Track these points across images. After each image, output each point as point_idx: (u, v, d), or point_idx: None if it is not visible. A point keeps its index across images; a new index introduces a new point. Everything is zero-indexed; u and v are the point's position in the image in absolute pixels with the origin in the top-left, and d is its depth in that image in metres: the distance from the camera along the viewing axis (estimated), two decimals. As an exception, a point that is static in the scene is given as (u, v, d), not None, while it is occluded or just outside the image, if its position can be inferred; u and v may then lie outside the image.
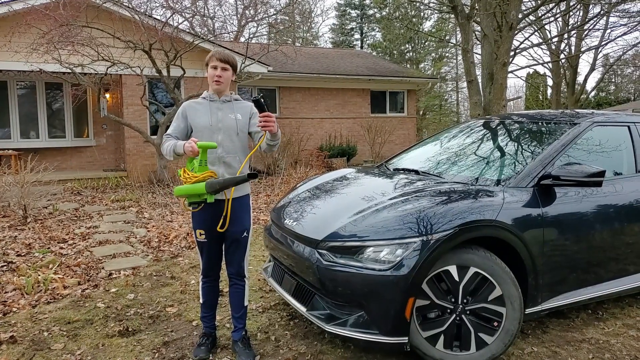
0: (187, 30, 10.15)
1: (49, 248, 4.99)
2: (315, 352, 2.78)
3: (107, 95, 10.85)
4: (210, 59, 2.66)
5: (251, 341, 2.90)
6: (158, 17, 9.44)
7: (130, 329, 3.10)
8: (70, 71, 8.89)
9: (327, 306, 2.64)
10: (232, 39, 15.83)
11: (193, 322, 3.21)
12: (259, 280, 4.03)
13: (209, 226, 2.65)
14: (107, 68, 8.98)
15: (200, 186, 2.41)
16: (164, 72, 9.16)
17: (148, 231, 5.77)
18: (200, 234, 2.68)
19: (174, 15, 9.20)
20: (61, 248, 5.02)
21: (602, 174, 2.71)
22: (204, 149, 2.48)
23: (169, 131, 2.69)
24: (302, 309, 2.76)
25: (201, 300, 2.86)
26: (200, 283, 2.85)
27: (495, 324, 2.56)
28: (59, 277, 3.98)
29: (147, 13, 9.16)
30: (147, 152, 10.56)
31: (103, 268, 4.36)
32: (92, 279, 4.09)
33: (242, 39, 15.46)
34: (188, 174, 2.48)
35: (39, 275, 4.01)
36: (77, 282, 3.98)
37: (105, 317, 3.31)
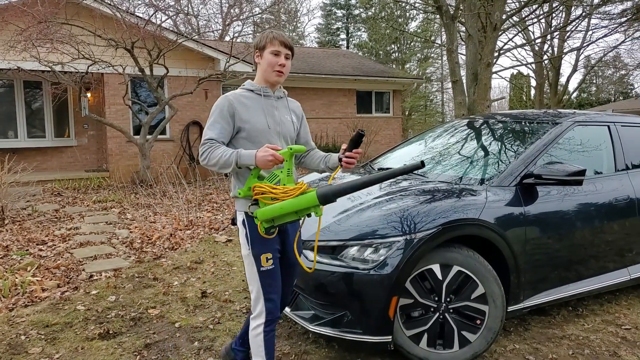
0: (171, 29, 10.05)
1: (27, 250, 4.87)
2: (299, 352, 2.76)
3: (89, 95, 10.66)
4: (270, 41, 2.08)
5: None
6: (140, 15, 9.32)
7: (110, 332, 3.04)
8: (49, 69, 8.71)
9: (311, 306, 2.62)
10: (216, 38, 15.71)
11: (175, 324, 3.16)
12: (242, 281, 4.00)
13: (276, 248, 2.09)
14: (88, 66, 8.83)
15: (310, 197, 1.86)
16: (147, 71, 9.04)
17: (130, 232, 5.68)
18: (268, 260, 2.05)
19: (157, 13, 9.09)
20: (40, 250, 4.91)
21: (582, 172, 2.74)
22: (292, 154, 1.96)
23: (210, 135, 2.01)
24: (286, 309, 2.73)
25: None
26: (263, 334, 2.06)
27: (478, 322, 2.57)
28: (37, 280, 3.89)
29: (129, 11, 9.03)
30: (130, 153, 10.40)
31: (83, 270, 4.27)
32: (72, 281, 4.01)
33: (227, 38, 15.35)
34: (279, 189, 1.91)
35: (17, 277, 3.91)
36: (57, 284, 3.89)
37: (85, 319, 3.24)
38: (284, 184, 1.94)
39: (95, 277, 4.11)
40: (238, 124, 2.05)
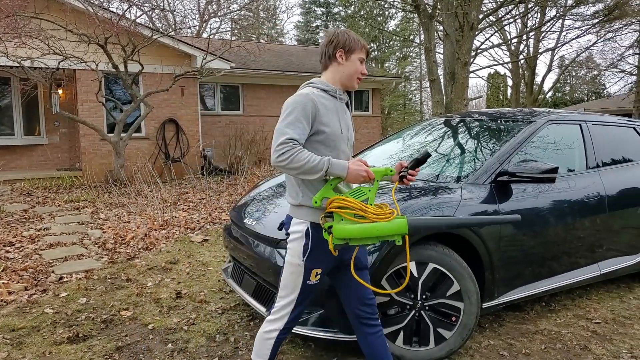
0: (146, 25, 9.82)
1: (-7, 252, 4.69)
2: (275, 353, 2.72)
3: (60, 91, 10.34)
4: (360, 48, 2.02)
5: (210, 343, 2.82)
6: (114, 10, 9.09)
7: (80, 335, 2.94)
8: (18, 65, 8.41)
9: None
10: (193, 35, 15.46)
11: (149, 326, 3.08)
12: (218, 281, 3.94)
13: (329, 263, 2.01)
14: (59, 62, 8.55)
15: (400, 225, 1.79)
16: (121, 68, 8.82)
17: (103, 232, 5.53)
18: (317, 275, 1.98)
19: (131, 8, 8.88)
20: (7, 252, 4.73)
21: (555, 170, 2.78)
22: (385, 174, 1.92)
23: (292, 135, 1.82)
24: (262, 309, 2.70)
25: None
26: (275, 339, 2.03)
27: (454, 319, 2.59)
28: (3, 283, 3.74)
29: (101, 5, 8.79)
30: (103, 151, 10.15)
31: (53, 272, 4.13)
32: (41, 283, 3.87)
33: (205, 35, 15.11)
34: (369, 208, 1.81)
35: (-19, 281, 3.76)
36: (24, 287, 3.75)
37: (54, 323, 3.13)
38: (371, 204, 1.84)
39: (65, 279, 3.98)
40: (317, 127, 1.90)
